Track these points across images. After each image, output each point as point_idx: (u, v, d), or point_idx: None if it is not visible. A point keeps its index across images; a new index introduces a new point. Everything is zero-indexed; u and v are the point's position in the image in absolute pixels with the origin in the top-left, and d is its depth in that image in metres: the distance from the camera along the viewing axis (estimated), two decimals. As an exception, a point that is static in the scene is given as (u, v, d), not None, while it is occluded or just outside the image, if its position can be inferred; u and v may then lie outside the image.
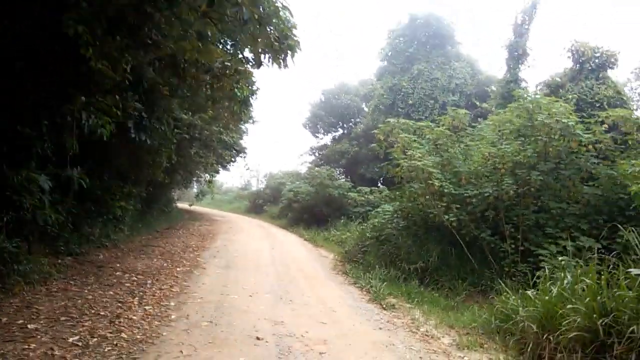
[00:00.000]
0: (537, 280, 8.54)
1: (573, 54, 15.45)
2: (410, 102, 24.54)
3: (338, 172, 29.82)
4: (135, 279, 8.51)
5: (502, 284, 9.71)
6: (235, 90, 9.35)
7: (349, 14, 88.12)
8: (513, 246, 10.00)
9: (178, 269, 9.89)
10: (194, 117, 16.20)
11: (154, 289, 7.75)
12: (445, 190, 10.93)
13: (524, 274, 9.65)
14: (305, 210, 24.66)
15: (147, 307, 6.44)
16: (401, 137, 12.21)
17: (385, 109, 25.43)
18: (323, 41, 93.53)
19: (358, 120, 33.81)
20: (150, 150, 11.75)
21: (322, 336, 6.03)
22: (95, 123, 6.77)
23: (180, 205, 31.44)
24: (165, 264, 10.43)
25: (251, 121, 26.67)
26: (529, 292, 6.99)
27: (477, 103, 21.73)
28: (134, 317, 5.87)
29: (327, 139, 36.19)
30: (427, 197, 11.33)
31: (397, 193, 13.64)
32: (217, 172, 28.35)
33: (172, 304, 6.83)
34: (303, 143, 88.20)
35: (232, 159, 24.74)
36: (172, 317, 6.13)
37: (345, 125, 34.66)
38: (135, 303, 6.64)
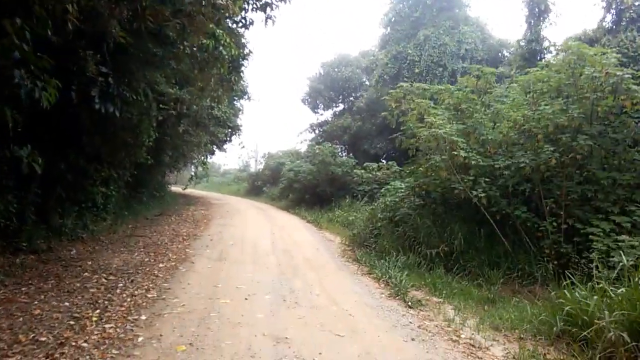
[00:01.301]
0: (591, 265, 7.15)
1: (608, 3, 13.65)
2: (417, 70, 22.76)
3: (340, 149, 28.25)
4: (105, 280, 6.96)
5: (545, 270, 8.32)
6: (221, 49, 7.72)
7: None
8: (554, 224, 8.49)
9: (160, 265, 8.34)
10: (181, 91, 14.53)
11: (124, 294, 6.20)
12: (472, 162, 9.37)
13: (569, 257, 8.23)
14: (306, 190, 23.28)
15: (107, 326, 4.87)
16: (417, 103, 10.61)
17: (390, 79, 23.66)
18: (321, 11, 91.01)
19: (360, 94, 32.03)
20: (126, 127, 10.11)
21: (341, 358, 4.50)
22: (31, 87, 5.12)
23: (175, 189, 29.90)
24: (146, 259, 8.89)
25: (246, 97, 25.05)
26: (603, 286, 5.44)
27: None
28: (85, 345, 4.30)
29: (327, 115, 34.58)
30: (450, 170, 9.74)
31: (412, 168, 12.05)
32: (212, 152, 26.77)
33: (143, 317, 5.27)
34: (302, 120, 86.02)
35: (227, 138, 23.08)
36: (139, 339, 4.55)
37: (346, 100, 32.92)
38: (94, 319, 5.07)
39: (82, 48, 6.86)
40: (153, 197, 20.01)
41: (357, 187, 20.84)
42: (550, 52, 15.94)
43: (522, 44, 16.84)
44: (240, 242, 11.98)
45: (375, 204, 13.65)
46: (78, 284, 6.67)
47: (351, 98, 32.72)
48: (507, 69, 17.09)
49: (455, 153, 9.30)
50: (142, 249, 10.02)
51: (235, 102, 23.77)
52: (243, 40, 9.95)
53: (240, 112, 24.71)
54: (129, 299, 5.96)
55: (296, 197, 24.80)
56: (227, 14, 5.99)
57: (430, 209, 10.79)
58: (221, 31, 7.96)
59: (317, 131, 33.86)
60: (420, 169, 11.36)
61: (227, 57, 8.24)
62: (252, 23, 9.85)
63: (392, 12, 25.13)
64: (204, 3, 5.69)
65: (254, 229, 14.85)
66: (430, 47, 22.89)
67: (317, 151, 23.06)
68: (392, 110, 11.77)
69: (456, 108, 10.91)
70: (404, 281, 7.93)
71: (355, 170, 21.60)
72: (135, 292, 6.37)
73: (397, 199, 12.08)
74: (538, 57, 15.75)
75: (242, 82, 24.45)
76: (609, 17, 13.99)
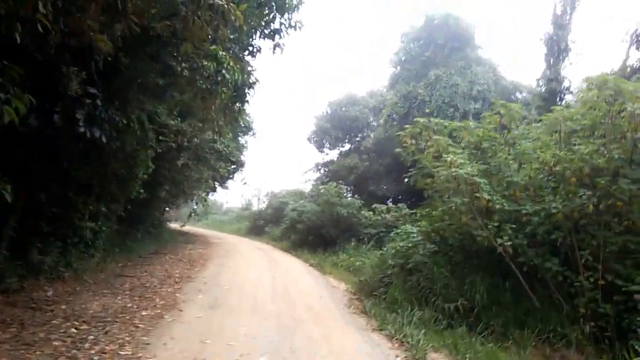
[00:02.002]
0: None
1: (634, 40, 12.97)
2: (428, 110, 22.12)
3: (346, 189, 27.40)
4: (75, 331, 5.96)
5: (581, 332, 7.28)
6: (224, 72, 6.97)
7: (355, 23, 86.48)
8: (591, 279, 7.48)
9: (144, 313, 7.33)
10: (182, 123, 13.82)
11: (93, 351, 5.20)
12: (497, 206, 8.44)
13: (608, 318, 7.21)
14: (310, 231, 22.31)
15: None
16: (435, 140, 9.75)
17: (400, 118, 23.09)
18: (329, 49, 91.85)
19: (367, 133, 31.45)
20: (119, 157, 9.30)
21: None
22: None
23: (175, 226, 28.94)
24: (129, 304, 7.89)
25: (251, 133, 24.46)
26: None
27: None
28: None
29: (333, 155, 33.90)
30: (471, 215, 8.80)
31: (427, 210, 11.11)
32: (214, 189, 25.91)
33: (108, 385, 4.28)
34: (307, 160, 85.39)
35: (229, 175, 22.26)
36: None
37: (353, 140, 32.33)
38: (45, 386, 4.09)
39: (66, 64, 6.09)
40: (149, 234, 19.04)
41: (364, 229, 19.94)
42: (571, 92, 15.33)
43: (541, 83, 16.19)
44: (238, 287, 10.96)
45: (385, 249, 12.64)
46: (42, 334, 5.68)
47: (358, 138, 32.14)
48: (524, 109, 16.36)
49: (478, 195, 8.39)
50: (127, 292, 9.02)
51: (239, 138, 23.18)
52: (249, 68, 9.27)
53: (244, 149, 24.08)
54: (96, 358, 4.95)
55: (299, 238, 23.81)
56: (227, 20, 5.26)
57: (447, 257, 9.80)
58: (224, 53, 7.24)
59: (322, 170, 33.12)
60: (436, 212, 10.46)
61: (230, 82, 7.49)
62: (259, 50, 9.19)
63: (403, 52, 24.78)
64: (200, 3, 4.94)
65: (253, 272, 13.81)
66: (442, 87, 22.36)
67: (322, 191, 22.21)
68: (407, 148, 10.91)
69: (477, 147, 10.08)
70: (421, 341, 6.89)
71: (361, 212, 20.70)
72: (107, 347, 5.36)
73: (409, 245, 11.10)
74: (558, 98, 15.10)
75: (246, 116, 23.91)
76: (635, 55, 13.30)
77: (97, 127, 6.81)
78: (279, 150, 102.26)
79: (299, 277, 14.02)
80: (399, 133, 11.38)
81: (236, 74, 7.50)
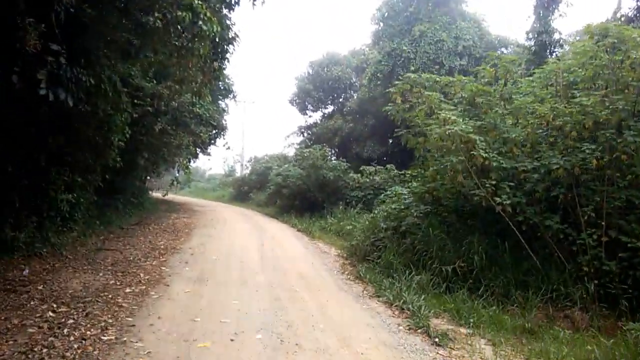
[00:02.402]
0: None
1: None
2: (413, 68, 21.47)
3: (330, 152, 26.93)
4: (53, 314, 5.50)
5: (585, 291, 7.05)
6: (201, 24, 6.33)
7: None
8: (594, 237, 7.22)
9: (128, 290, 6.89)
10: (158, 86, 13.11)
11: (72, 337, 4.76)
12: (493, 164, 8.07)
13: (612, 276, 6.99)
14: (296, 196, 21.89)
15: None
16: (427, 97, 9.29)
17: (384, 77, 22.41)
18: (309, 6, 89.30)
19: (350, 94, 30.74)
20: (91, 123, 8.67)
21: None
22: None
23: (157, 195, 28.28)
24: (112, 281, 7.44)
25: (231, 96, 23.69)
26: None
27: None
28: None
29: (316, 117, 33.23)
30: (467, 174, 8.43)
31: (418, 171, 10.76)
32: (195, 156, 25.22)
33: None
34: (290, 123, 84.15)
35: (211, 140, 21.54)
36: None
37: (336, 101, 31.64)
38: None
39: (20, 14, 5.39)
40: (130, 204, 18.42)
41: (350, 192, 19.65)
42: (561, 45, 14.85)
43: (531, 36, 15.68)
44: (225, 256, 10.56)
45: (375, 212, 12.30)
46: (16, 320, 5.21)
47: (341, 99, 31.45)
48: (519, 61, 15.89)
49: (475, 153, 8.00)
50: (109, 267, 8.56)
51: (219, 102, 22.40)
52: (227, 22, 8.57)
53: (225, 113, 23.32)
54: (76, 346, 4.51)
55: (285, 203, 23.45)
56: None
57: (441, 218, 9.47)
58: (200, 2, 6.56)
59: (305, 134, 32.53)
60: (428, 172, 10.10)
61: (208, 34, 6.84)
62: (237, 3, 8.47)
63: (386, 7, 23.86)
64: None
65: (240, 240, 13.42)
66: (426, 44, 21.68)
67: (306, 154, 21.69)
68: (398, 105, 10.43)
69: (470, 102, 9.65)
70: (422, 307, 6.60)
71: (348, 175, 20.32)
72: (88, 332, 4.92)
73: (401, 207, 10.77)
74: (548, 51, 14.66)
75: (226, 78, 23.06)
76: (627, 4, 12.74)
77: (62, 88, 6.16)
78: (260, 114, 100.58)
79: (287, 243, 13.67)
80: (388, 90, 10.88)
81: (214, 27, 6.84)
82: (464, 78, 9.97)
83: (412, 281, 8.05)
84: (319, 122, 31.66)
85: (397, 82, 10.68)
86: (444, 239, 8.89)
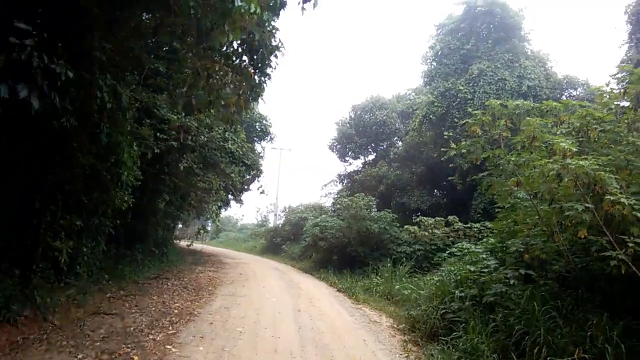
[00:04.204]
0: None
1: None
2: (470, 109, 19.12)
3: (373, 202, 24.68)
4: None
5: None
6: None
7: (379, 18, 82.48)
8: None
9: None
10: (186, 119, 11.28)
11: None
12: (639, 215, 5.61)
13: None
14: (334, 250, 19.78)
15: None
16: (527, 122, 7.03)
17: (437, 119, 20.31)
18: (352, 49, 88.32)
19: (394, 141, 28.69)
20: (90, 149, 6.69)
21: None
22: None
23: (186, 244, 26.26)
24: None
25: (268, 138, 21.93)
26: None
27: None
28: None
29: (356, 165, 31.13)
30: (597, 227, 6.00)
31: (507, 223, 8.36)
32: (226, 202, 23.30)
33: None
34: (327, 172, 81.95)
35: (244, 185, 19.53)
36: None
37: (379, 148, 29.53)
38: None
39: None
40: (151, 255, 16.38)
41: (397, 247, 17.22)
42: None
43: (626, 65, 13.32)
44: (253, 328, 8.21)
45: (443, 274, 9.82)
46: None
47: (385, 145, 29.37)
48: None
49: (610, 198, 5.60)
50: (97, 343, 6.37)
51: (255, 144, 20.65)
52: (270, 27, 6.66)
53: (261, 157, 21.48)
54: None
55: (321, 257, 21.26)
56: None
57: (546, 289, 6.97)
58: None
59: (345, 182, 30.40)
60: (522, 224, 7.69)
61: (246, 10, 4.87)
62: (284, 5, 6.53)
63: (440, 44, 22.00)
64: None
65: (272, 304, 11.07)
66: (486, 84, 19.56)
67: (348, 202, 19.46)
68: (476, 140, 8.18)
69: (581, 133, 7.31)
70: None
71: (395, 227, 17.94)
72: None
73: (482, 269, 8.32)
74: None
75: (264, 120, 21.39)
76: None
77: (24, 82, 4.18)
78: (296, 162, 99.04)
79: (328, 308, 11.24)
80: (464, 122, 8.66)
81: (253, 4, 4.88)
82: (572, 101, 7.67)
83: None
84: (359, 169, 29.54)
85: (475, 112, 8.49)
86: (554, 318, 6.37)
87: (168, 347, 6.38)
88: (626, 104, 7.54)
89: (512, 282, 7.07)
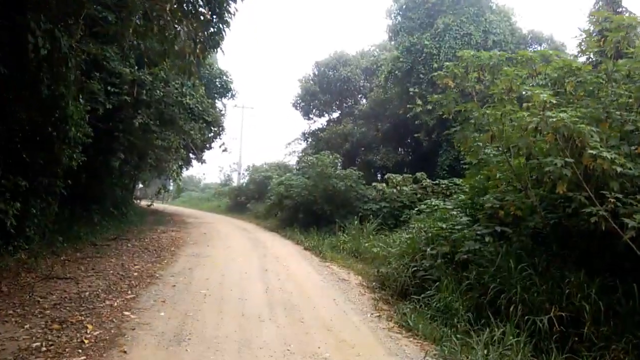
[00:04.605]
0: None
1: None
2: (436, 65, 18.94)
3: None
4: None
5: None
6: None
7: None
8: None
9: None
10: (140, 72, 10.50)
11: None
12: (617, 170, 5.41)
13: None
14: (299, 208, 19.45)
15: None
16: (504, 72, 6.72)
17: (403, 75, 19.90)
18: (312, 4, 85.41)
19: (359, 98, 28.20)
20: (31, 103, 6.00)
21: None
22: None
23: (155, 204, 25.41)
24: (37, 342, 4.74)
25: (229, 95, 21.11)
26: None
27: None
28: None
29: (321, 123, 30.61)
30: (576, 183, 5.81)
31: (478, 179, 8.16)
32: (187, 161, 22.54)
33: None
34: (291, 131, 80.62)
35: (205, 143, 18.81)
36: None
37: (344, 105, 29.00)
38: None
39: None
40: (110, 216, 15.70)
41: (363, 205, 17.00)
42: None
43: (595, 19, 13.11)
44: (219, 290, 7.85)
45: (412, 231, 9.64)
46: None
47: (349, 103, 28.87)
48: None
49: (592, 152, 5.38)
50: (46, 312, 5.86)
51: (217, 101, 19.81)
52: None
53: (222, 114, 20.68)
54: None
55: (287, 215, 20.93)
56: None
57: (522, 246, 6.83)
58: None
59: (309, 140, 29.89)
60: (495, 180, 7.50)
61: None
62: None
63: (404, -2, 21.33)
64: None
65: (238, 264, 10.73)
66: (452, 38, 19.18)
67: (313, 160, 19.06)
68: (448, 94, 7.84)
69: (558, 84, 7.06)
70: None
71: (361, 186, 17.74)
72: None
73: (453, 226, 8.15)
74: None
75: (224, 75, 20.46)
76: None
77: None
78: (259, 120, 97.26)
79: (296, 267, 10.99)
80: (436, 74, 8.27)
81: None
82: (549, 51, 7.36)
83: (492, 339, 5.41)
84: (324, 127, 29.03)
85: (448, 63, 8.12)
86: (530, 275, 6.25)
87: (126, 313, 5.96)
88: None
89: (487, 239, 6.87)
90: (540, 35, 20.22)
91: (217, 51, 7.23)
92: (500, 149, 7.35)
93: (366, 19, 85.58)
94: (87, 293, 6.88)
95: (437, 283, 7.34)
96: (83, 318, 5.61)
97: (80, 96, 7.74)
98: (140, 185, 36.98)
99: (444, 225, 8.22)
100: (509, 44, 19.19)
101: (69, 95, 6.73)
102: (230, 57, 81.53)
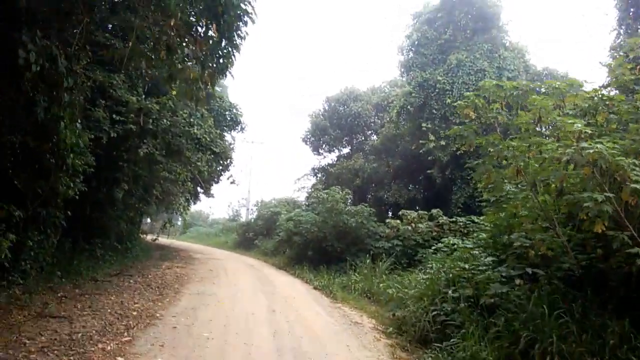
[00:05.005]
0: None
1: None
2: (449, 100, 18.69)
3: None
4: None
5: None
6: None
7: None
8: None
9: None
10: (147, 101, 10.22)
11: None
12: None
13: None
14: (309, 245, 18.80)
15: None
16: (532, 101, 6.32)
17: (415, 110, 19.60)
18: (323, 40, 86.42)
19: (369, 134, 27.92)
20: (25, 126, 5.62)
21: None
22: None
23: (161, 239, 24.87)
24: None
25: (238, 128, 20.86)
26: None
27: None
28: None
29: (330, 159, 30.25)
30: (619, 220, 5.29)
31: (502, 216, 7.62)
32: (195, 195, 22.14)
33: None
34: (300, 167, 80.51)
35: (213, 176, 18.42)
36: None
37: (354, 141, 28.69)
38: None
39: None
40: (113, 250, 15.18)
41: (375, 243, 16.42)
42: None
43: (615, 54, 12.80)
44: (222, 334, 7.25)
45: (432, 272, 9.04)
46: None
47: (360, 139, 28.57)
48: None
49: (636, 187, 4.87)
50: (31, 356, 5.32)
51: (226, 134, 19.53)
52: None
53: (232, 148, 20.38)
54: None
55: (295, 253, 20.29)
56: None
57: (553, 290, 6.23)
58: None
59: (319, 176, 29.48)
60: (523, 217, 6.97)
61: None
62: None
63: (417, 34, 21.23)
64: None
65: (244, 304, 10.13)
66: (465, 74, 18.96)
67: (324, 196, 18.56)
68: (469, 125, 7.42)
69: (587, 114, 6.63)
70: None
71: (372, 222, 17.21)
72: None
73: (476, 267, 7.57)
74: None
75: (234, 108, 20.20)
76: None
77: None
78: (268, 156, 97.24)
79: (306, 309, 10.37)
80: (456, 103, 7.88)
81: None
82: (578, 81, 6.95)
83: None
84: (334, 162, 28.68)
85: (468, 93, 7.75)
86: (567, 323, 5.64)
87: (119, 359, 5.40)
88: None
89: (517, 281, 6.28)
90: (555, 73, 19.96)
91: (226, 76, 6.89)
92: (524, 184, 6.87)
93: (377, 56, 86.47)
94: (80, 334, 6.33)
95: (460, 329, 6.75)
96: (71, 364, 5.07)
97: (80, 122, 7.41)
98: (149, 220, 36.67)
99: (466, 266, 7.63)
100: (523, 81, 18.90)
101: (67, 118, 6.33)
102: (239, 91, 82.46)
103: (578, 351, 5.33)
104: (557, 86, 6.76)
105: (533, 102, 6.27)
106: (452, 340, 6.55)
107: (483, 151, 7.38)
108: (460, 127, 7.62)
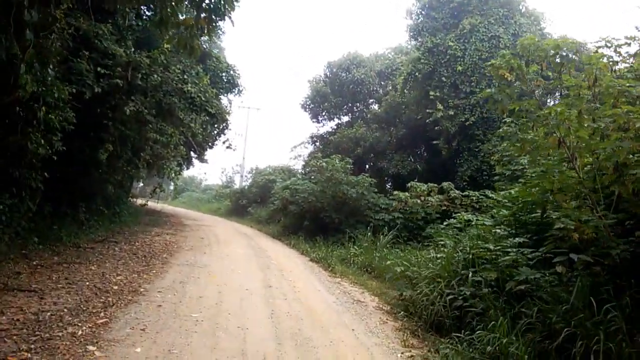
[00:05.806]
0: None
1: None
2: (460, 68, 17.65)
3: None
4: None
5: None
6: None
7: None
8: None
9: None
10: (136, 54, 9.16)
11: None
12: None
13: None
14: (305, 215, 18.14)
15: None
16: (589, 58, 5.39)
17: (423, 78, 18.53)
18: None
19: (371, 103, 26.84)
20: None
21: None
22: None
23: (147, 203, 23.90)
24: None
25: (235, 90, 19.77)
26: None
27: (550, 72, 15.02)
28: None
29: (329, 127, 29.24)
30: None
31: (535, 191, 6.74)
32: (187, 159, 21.14)
33: None
34: (297, 134, 78.98)
35: (208, 139, 17.41)
36: None
37: (355, 109, 27.61)
38: None
39: None
40: (100, 215, 14.28)
41: (375, 215, 15.70)
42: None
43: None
44: (213, 315, 6.41)
45: (445, 250, 8.23)
46: None
47: (361, 107, 27.47)
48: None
49: None
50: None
51: (222, 96, 18.45)
52: None
53: (228, 111, 19.33)
54: None
55: (291, 222, 19.73)
56: None
57: (595, 280, 5.40)
58: None
59: (317, 144, 28.50)
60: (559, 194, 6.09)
61: None
62: None
63: (427, -5, 19.96)
64: None
65: (238, 278, 9.32)
66: (478, 40, 17.84)
67: (323, 165, 17.67)
68: (502, 89, 6.50)
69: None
70: None
71: (372, 194, 16.47)
72: None
73: (499, 248, 6.74)
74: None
75: (231, 70, 19.06)
76: None
77: None
78: (264, 122, 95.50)
79: (303, 284, 9.60)
80: (490, 63, 6.91)
81: None
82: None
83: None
84: (334, 130, 27.63)
85: (503, 52, 6.83)
86: (616, 318, 4.83)
87: (90, 348, 4.54)
88: None
89: (559, 268, 5.43)
90: (574, 41, 18.82)
91: (224, 20, 5.88)
92: (564, 157, 5.98)
93: (382, 20, 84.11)
94: (49, 314, 5.48)
95: (482, 317, 5.96)
96: (30, 355, 4.21)
97: (55, 71, 6.37)
98: (140, 184, 35.70)
99: (491, 247, 6.78)
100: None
101: (27, 60, 5.28)
102: (237, 53, 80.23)
103: (628, 353, 4.55)
104: (609, 41, 5.82)
105: (588, 61, 5.33)
106: (476, 330, 5.72)
107: (517, 117, 6.49)
108: (490, 90, 6.70)
